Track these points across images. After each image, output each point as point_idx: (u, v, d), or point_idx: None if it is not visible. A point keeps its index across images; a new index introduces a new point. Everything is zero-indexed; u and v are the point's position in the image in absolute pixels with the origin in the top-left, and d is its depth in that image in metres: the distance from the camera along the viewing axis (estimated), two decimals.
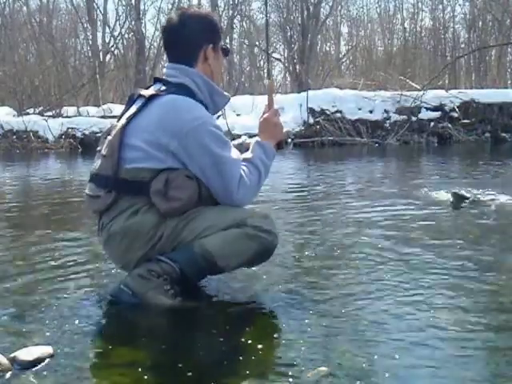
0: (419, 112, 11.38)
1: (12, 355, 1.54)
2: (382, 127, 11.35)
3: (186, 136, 1.93)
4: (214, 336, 1.75)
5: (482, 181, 5.23)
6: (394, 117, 11.40)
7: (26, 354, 1.55)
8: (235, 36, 24.46)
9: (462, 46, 22.90)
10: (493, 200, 3.97)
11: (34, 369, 1.51)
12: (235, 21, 22.84)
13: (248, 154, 2.08)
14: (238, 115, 11.39)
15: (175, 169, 1.95)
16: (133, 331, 1.83)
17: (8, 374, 1.48)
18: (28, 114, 12.67)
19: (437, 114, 11.36)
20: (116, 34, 20.98)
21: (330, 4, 22.04)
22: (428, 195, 4.32)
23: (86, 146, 10.97)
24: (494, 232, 3.19)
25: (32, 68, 16.07)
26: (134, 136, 1.97)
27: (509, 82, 20.07)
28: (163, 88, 2.03)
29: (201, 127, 1.94)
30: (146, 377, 1.47)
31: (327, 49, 26.25)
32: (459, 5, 29.83)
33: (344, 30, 28.68)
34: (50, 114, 12.70)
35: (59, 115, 12.64)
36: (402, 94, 11.47)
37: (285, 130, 2.27)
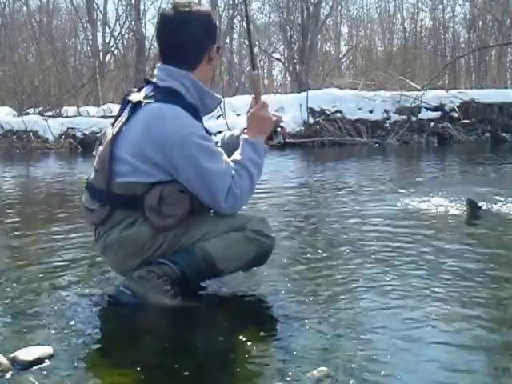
0: (419, 112, 11.37)
1: (12, 355, 1.54)
2: (381, 127, 11.34)
3: (171, 149, 1.88)
4: (214, 336, 1.75)
5: (488, 182, 5.22)
6: (394, 117, 11.38)
7: (26, 354, 1.55)
8: (235, 36, 24.43)
9: (462, 46, 22.89)
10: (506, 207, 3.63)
11: (33, 369, 1.51)
12: (235, 21, 22.82)
13: (237, 156, 2.00)
14: (237, 115, 11.38)
15: (167, 181, 1.91)
16: (133, 331, 1.83)
17: (8, 374, 1.48)
18: (28, 114, 12.66)
19: (437, 113, 11.34)
20: (116, 33, 20.98)
21: (330, 4, 22.03)
22: (436, 200, 3.98)
23: (85, 146, 10.95)
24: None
25: (32, 68, 16.07)
26: (122, 148, 1.93)
27: (509, 81, 20.05)
28: (151, 94, 1.96)
29: (186, 139, 1.88)
30: (145, 377, 1.48)
31: (327, 49, 26.25)
32: (459, 5, 29.78)
33: (344, 30, 28.66)
34: (49, 113, 12.69)
35: (59, 115, 12.63)
36: (401, 94, 11.45)
37: (274, 118, 2.14)
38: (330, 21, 24.44)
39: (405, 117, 11.30)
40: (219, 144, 2.22)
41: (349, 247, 2.77)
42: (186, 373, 1.50)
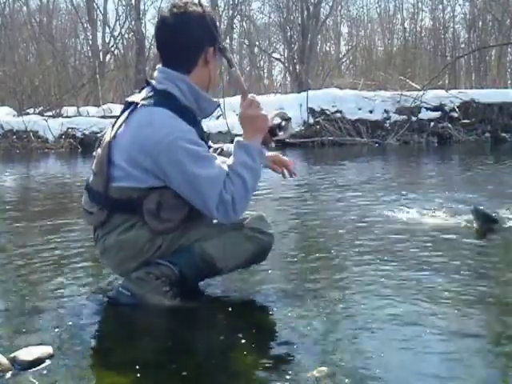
0: (419, 112, 11.36)
1: (12, 355, 1.54)
2: (382, 127, 11.34)
3: (159, 155, 1.83)
4: (214, 335, 1.75)
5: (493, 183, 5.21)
6: (394, 117, 11.38)
7: (26, 354, 1.55)
8: (235, 36, 24.45)
9: (462, 46, 22.90)
10: None
11: (33, 369, 1.51)
12: (235, 21, 22.83)
13: (229, 161, 1.90)
14: (237, 115, 11.39)
15: (164, 187, 1.88)
16: (132, 331, 1.83)
17: (8, 374, 1.48)
18: (28, 114, 12.66)
19: (437, 113, 11.34)
20: (116, 33, 20.98)
21: (330, 4, 22.03)
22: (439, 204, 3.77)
23: (85, 145, 10.96)
24: None
25: (32, 68, 16.07)
26: (117, 153, 1.92)
27: (509, 81, 20.06)
28: (149, 95, 1.95)
29: (172, 144, 1.82)
30: (145, 377, 1.47)
31: (327, 49, 26.25)
32: (459, 5, 29.79)
33: (344, 29, 28.66)
34: (50, 113, 12.69)
35: (59, 115, 12.63)
36: (402, 94, 11.45)
37: (274, 112, 2.05)
38: (329, 21, 24.46)
39: (405, 117, 11.30)
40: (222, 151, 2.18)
41: (349, 247, 2.77)
42: (186, 373, 1.50)
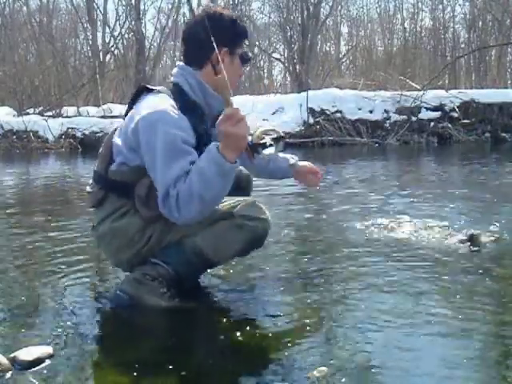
0: (419, 112, 11.37)
1: (12, 355, 1.54)
2: (382, 127, 11.34)
3: (141, 130, 1.85)
4: (213, 336, 1.75)
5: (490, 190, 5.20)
6: (394, 117, 11.39)
7: (26, 354, 1.55)
8: None
9: (462, 46, 22.92)
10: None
11: (33, 369, 1.51)
12: None
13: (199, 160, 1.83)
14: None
15: None
16: (132, 331, 1.83)
17: (8, 374, 1.48)
18: (28, 114, 12.69)
19: (437, 113, 11.35)
20: (116, 33, 21.01)
21: (330, 4, 22.04)
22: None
23: (85, 145, 10.97)
24: None
25: (32, 68, 16.09)
26: (119, 135, 1.98)
27: (509, 81, 20.07)
28: (161, 87, 2.03)
29: (154, 124, 1.82)
30: (145, 376, 1.48)
31: (327, 49, 26.28)
32: (459, 5, 29.88)
33: (344, 29, 28.71)
34: (50, 113, 12.72)
35: (59, 115, 12.65)
36: (402, 94, 11.46)
37: (261, 129, 1.95)
38: (329, 21, 24.48)
39: (405, 117, 11.31)
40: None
41: (349, 247, 2.77)
42: (185, 373, 1.50)
